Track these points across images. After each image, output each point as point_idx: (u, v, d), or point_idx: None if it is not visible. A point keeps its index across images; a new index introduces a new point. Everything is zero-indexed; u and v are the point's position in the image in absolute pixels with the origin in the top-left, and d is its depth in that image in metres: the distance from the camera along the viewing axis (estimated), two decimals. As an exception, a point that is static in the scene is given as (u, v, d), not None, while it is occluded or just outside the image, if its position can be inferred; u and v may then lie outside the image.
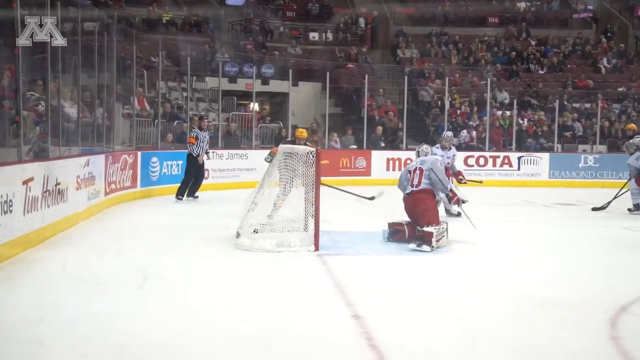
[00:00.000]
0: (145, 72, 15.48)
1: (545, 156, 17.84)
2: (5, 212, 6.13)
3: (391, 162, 17.17)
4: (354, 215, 9.90)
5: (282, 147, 8.08)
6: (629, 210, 11.23)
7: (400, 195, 8.07)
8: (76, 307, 4.78)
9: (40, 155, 8.18)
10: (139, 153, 12.33)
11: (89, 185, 9.26)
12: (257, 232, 7.47)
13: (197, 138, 11.90)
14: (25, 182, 6.61)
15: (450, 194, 9.15)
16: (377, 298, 5.25)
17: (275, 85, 18.40)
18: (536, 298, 5.26)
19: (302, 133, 9.46)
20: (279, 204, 8.20)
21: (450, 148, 10.79)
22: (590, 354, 4.05)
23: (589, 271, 6.56)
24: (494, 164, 17.59)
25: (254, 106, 16.69)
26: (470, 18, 25.63)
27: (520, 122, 19.20)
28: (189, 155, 11.94)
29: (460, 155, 14.74)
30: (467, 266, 6.67)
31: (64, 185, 7.91)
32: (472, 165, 17.19)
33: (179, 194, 11.91)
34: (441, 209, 9.49)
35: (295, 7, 24.55)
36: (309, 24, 23.98)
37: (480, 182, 12.62)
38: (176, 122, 15.24)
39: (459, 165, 12.22)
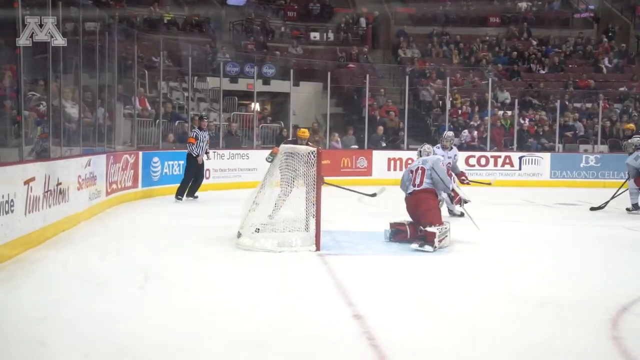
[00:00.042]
0: (146, 72, 15.47)
1: (546, 156, 17.82)
2: (7, 212, 6.14)
3: (392, 162, 17.17)
4: (356, 215, 9.90)
5: (283, 147, 8.08)
6: (627, 210, 11.23)
7: (402, 195, 8.05)
8: (77, 307, 4.78)
9: (42, 155, 8.19)
10: (140, 153, 12.33)
11: (90, 185, 9.26)
12: (258, 231, 7.48)
13: (196, 138, 11.91)
14: (26, 182, 6.62)
15: (452, 194, 9.15)
16: (378, 298, 5.24)
17: (277, 85, 18.40)
18: (536, 298, 5.25)
19: (304, 133, 9.45)
20: (280, 203, 8.19)
21: (451, 148, 10.78)
22: (590, 354, 4.05)
23: (589, 271, 6.56)
24: (495, 164, 17.57)
25: (255, 106, 16.71)
26: (471, 18, 25.64)
27: (522, 122, 19.20)
28: (189, 155, 11.94)
29: (462, 155, 14.69)
30: (467, 266, 6.66)
31: (65, 185, 7.91)
32: (474, 165, 17.18)
33: (179, 194, 11.92)
34: (444, 209, 9.48)
35: (296, 7, 24.57)
36: (310, 23, 23.99)
37: (490, 183, 12.38)
38: (177, 122, 15.24)
39: (460, 165, 12.20)
